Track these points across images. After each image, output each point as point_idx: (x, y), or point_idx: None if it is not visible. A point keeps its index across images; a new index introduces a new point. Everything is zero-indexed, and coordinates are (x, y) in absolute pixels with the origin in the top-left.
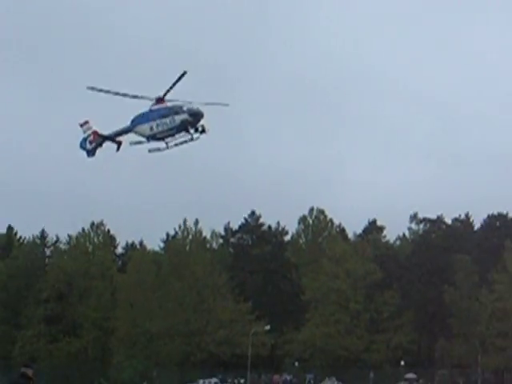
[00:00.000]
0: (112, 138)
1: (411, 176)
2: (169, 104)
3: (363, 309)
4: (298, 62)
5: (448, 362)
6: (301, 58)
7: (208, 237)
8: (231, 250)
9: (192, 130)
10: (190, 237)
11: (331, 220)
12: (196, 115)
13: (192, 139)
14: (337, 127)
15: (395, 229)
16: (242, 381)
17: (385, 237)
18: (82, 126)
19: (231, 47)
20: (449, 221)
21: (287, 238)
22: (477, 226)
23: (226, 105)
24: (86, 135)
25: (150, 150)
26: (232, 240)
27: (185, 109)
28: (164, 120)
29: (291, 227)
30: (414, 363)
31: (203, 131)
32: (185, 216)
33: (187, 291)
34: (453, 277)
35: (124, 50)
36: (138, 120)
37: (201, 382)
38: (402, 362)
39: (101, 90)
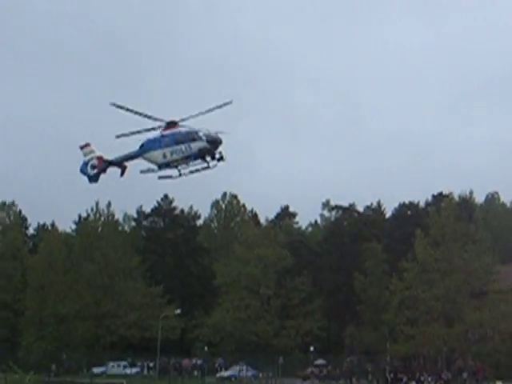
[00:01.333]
0: (118, 163)
1: (323, 163)
2: (182, 129)
3: (274, 294)
4: (205, 46)
5: (357, 349)
6: (208, 42)
7: (120, 219)
8: (143, 233)
9: (209, 158)
10: (102, 219)
11: (244, 205)
12: (214, 142)
13: (208, 167)
14: (246, 113)
15: (307, 215)
16: (151, 364)
17: (297, 223)
18: (82, 148)
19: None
20: (361, 209)
21: (199, 222)
22: (388, 214)
23: (229, 103)
24: (87, 159)
25: (160, 177)
26: (144, 223)
27: (202, 135)
28: (179, 147)
29: (204, 212)
30: (323, 349)
31: (221, 159)
32: (97, 198)
33: (98, 273)
34: (363, 264)
35: None
36: (149, 145)
37: (110, 364)
38: (312, 348)
39: (122, 108)
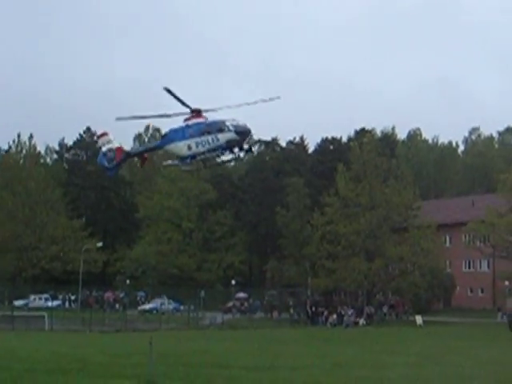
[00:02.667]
0: (138, 154)
1: (246, 98)
2: (208, 119)
3: (196, 228)
4: None
5: (278, 283)
6: None
7: (42, 152)
8: (65, 165)
9: (237, 149)
10: (24, 152)
11: None
12: (243, 133)
13: (236, 159)
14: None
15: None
16: (73, 297)
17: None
18: (99, 137)
19: None
20: (283, 143)
21: None
22: (311, 149)
23: (278, 97)
24: (105, 149)
25: (183, 170)
26: (66, 156)
27: (229, 125)
28: (204, 138)
29: (127, 144)
30: (245, 283)
31: (250, 150)
32: (19, 130)
33: (20, 206)
34: (285, 199)
35: None
36: (172, 136)
37: (32, 297)
38: (233, 282)
39: (127, 118)
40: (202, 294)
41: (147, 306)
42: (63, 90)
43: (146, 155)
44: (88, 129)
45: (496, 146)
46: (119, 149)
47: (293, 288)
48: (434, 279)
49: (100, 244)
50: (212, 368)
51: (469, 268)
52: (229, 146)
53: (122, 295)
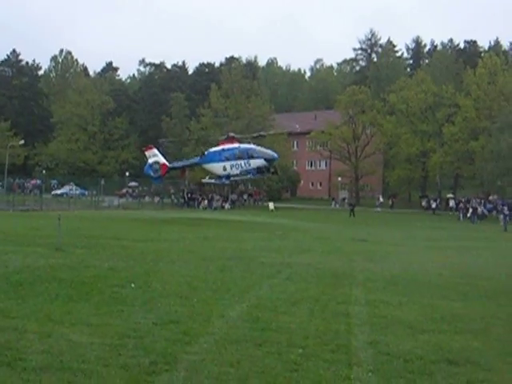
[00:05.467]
0: (179, 168)
1: (138, 28)
2: (242, 145)
3: (99, 131)
4: None
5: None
6: None
7: None
8: None
9: (265, 171)
10: None
11: (77, 60)
12: (271, 160)
13: (263, 178)
14: None
15: (127, 70)
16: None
17: (118, 75)
18: (145, 150)
19: None
20: (169, 66)
21: (41, 72)
22: (190, 71)
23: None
24: (151, 161)
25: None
26: None
27: (259, 153)
28: (238, 162)
29: (44, 64)
30: (136, 174)
31: (275, 172)
32: None
33: None
34: (169, 109)
35: None
36: (211, 157)
37: None
38: (127, 173)
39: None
40: (102, 182)
41: (59, 192)
42: None
43: (185, 169)
44: (13, 50)
45: (335, 73)
46: (164, 165)
47: (174, 179)
48: (284, 175)
49: (22, 142)
50: (109, 239)
51: (311, 167)
52: (259, 171)
53: (39, 182)
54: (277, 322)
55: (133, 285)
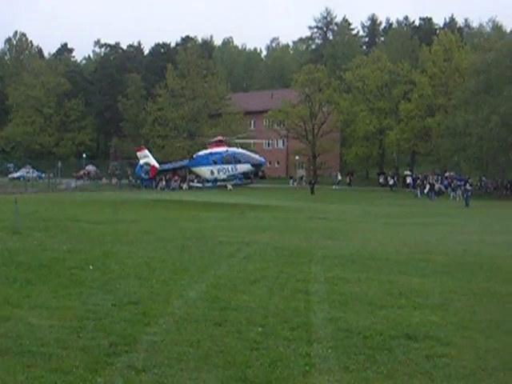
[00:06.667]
0: (169, 171)
1: (94, 8)
2: (230, 150)
3: (55, 113)
4: None
5: (120, 156)
6: None
7: None
8: None
9: (252, 176)
10: None
11: (31, 42)
12: (259, 166)
13: (251, 183)
14: None
15: (82, 51)
16: None
17: (74, 57)
18: (137, 151)
19: None
20: (124, 46)
21: None
22: (146, 51)
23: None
24: (142, 163)
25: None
26: None
27: (247, 157)
28: (226, 166)
29: None
30: (93, 156)
31: (263, 177)
32: None
33: None
34: (126, 90)
35: None
36: (198, 160)
37: None
38: (84, 155)
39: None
40: (60, 164)
41: (16, 175)
42: None
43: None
44: None
45: (291, 52)
46: (154, 166)
47: (131, 160)
48: None
49: None
50: (67, 221)
51: (268, 146)
52: (246, 176)
53: None
54: (236, 301)
55: (91, 267)
